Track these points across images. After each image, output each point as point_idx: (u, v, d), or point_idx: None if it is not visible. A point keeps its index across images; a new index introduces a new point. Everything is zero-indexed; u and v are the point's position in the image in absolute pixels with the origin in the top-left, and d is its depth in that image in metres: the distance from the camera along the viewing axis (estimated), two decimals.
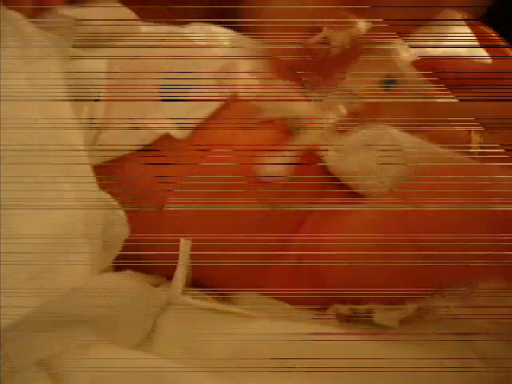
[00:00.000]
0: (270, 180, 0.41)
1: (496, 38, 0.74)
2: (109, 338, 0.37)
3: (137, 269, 0.42)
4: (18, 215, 0.34)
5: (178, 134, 0.43)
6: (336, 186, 0.44)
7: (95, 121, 0.43)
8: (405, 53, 0.46)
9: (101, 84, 0.45)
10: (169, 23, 0.73)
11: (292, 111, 0.46)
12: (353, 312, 0.41)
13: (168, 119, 0.44)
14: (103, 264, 0.40)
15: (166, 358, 0.37)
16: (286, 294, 0.43)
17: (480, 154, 0.40)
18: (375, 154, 0.41)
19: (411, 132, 0.40)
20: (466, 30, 0.74)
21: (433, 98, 0.43)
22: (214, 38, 0.72)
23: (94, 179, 0.39)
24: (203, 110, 0.45)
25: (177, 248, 0.41)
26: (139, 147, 0.43)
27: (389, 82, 0.47)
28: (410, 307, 0.39)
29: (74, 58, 0.48)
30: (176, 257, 0.41)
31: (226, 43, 0.71)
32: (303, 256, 0.43)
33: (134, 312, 0.39)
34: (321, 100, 0.46)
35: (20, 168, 0.36)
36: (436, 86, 0.45)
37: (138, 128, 0.43)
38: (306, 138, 0.44)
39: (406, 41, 0.45)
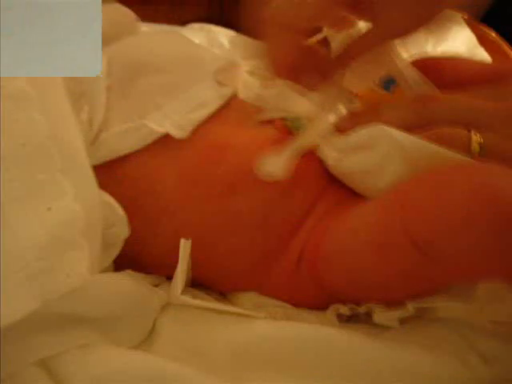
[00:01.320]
0: (270, 180, 0.41)
1: (496, 38, 0.74)
2: (109, 338, 0.37)
3: (137, 269, 0.42)
4: (18, 215, 0.34)
5: (177, 133, 0.43)
6: (336, 185, 0.44)
7: (95, 121, 0.43)
8: (405, 53, 0.46)
9: (101, 84, 0.45)
10: (169, 23, 0.74)
11: (292, 111, 0.46)
12: (353, 312, 0.42)
13: (168, 119, 0.44)
14: (103, 264, 0.40)
15: (166, 358, 0.37)
16: (286, 293, 0.43)
17: (480, 153, 0.40)
18: (375, 154, 0.41)
19: (411, 132, 0.40)
20: (466, 29, 0.74)
21: (432, 97, 0.43)
22: (213, 38, 0.72)
23: (94, 179, 0.39)
24: (203, 110, 0.45)
25: (177, 248, 0.41)
26: (139, 147, 0.43)
27: (389, 82, 0.47)
28: (410, 307, 0.39)
29: None
30: (176, 256, 0.41)
31: (225, 43, 0.72)
32: (303, 256, 0.43)
33: (134, 312, 0.39)
34: (321, 100, 0.46)
35: (20, 168, 0.36)
36: (436, 86, 0.45)
37: (138, 128, 0.44)
38: (306, 138, 0.44)
39: (405, 41, 0.45)
